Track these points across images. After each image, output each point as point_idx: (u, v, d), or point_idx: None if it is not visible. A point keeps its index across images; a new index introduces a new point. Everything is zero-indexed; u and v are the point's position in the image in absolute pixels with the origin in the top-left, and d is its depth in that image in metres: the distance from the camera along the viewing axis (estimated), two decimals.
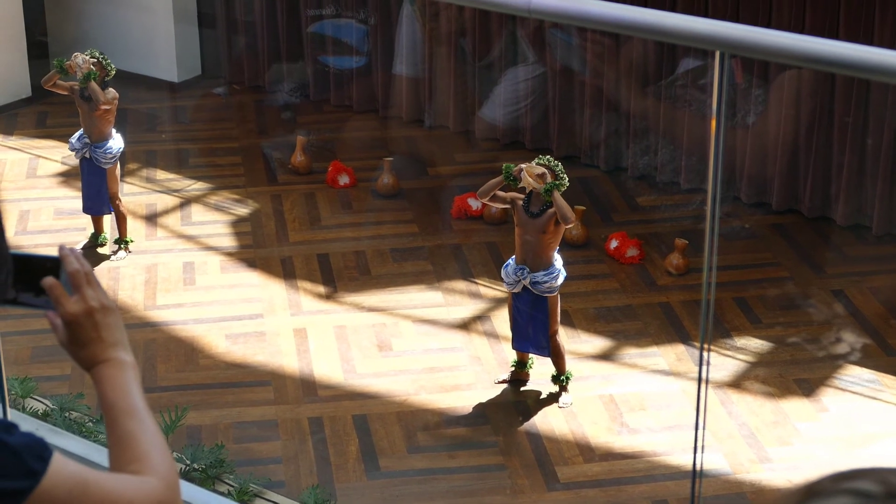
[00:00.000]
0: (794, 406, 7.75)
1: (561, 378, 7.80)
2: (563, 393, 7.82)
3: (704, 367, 5.51)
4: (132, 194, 10.11)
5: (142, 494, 2.16)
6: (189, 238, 9.61)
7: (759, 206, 10.02)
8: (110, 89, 9.11)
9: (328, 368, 8.08)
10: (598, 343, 8.37)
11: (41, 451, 2.11)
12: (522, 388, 7.93)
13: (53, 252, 2.31)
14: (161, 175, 10.57)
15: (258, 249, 9.47)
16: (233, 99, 12.13)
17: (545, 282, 7.58)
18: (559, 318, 7.76)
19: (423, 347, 8.31)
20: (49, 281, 2.27)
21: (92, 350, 2.28)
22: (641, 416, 7.67)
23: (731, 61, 8.65)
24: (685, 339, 8.38)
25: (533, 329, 7.70)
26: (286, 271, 9.16)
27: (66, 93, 9.21)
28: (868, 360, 8.19)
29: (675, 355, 8.22)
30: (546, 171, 7.53)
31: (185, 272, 9.14)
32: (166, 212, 10.00)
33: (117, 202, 9.29)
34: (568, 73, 10.70)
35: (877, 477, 1.41)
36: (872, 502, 1.38)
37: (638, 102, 10.43)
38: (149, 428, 2.24)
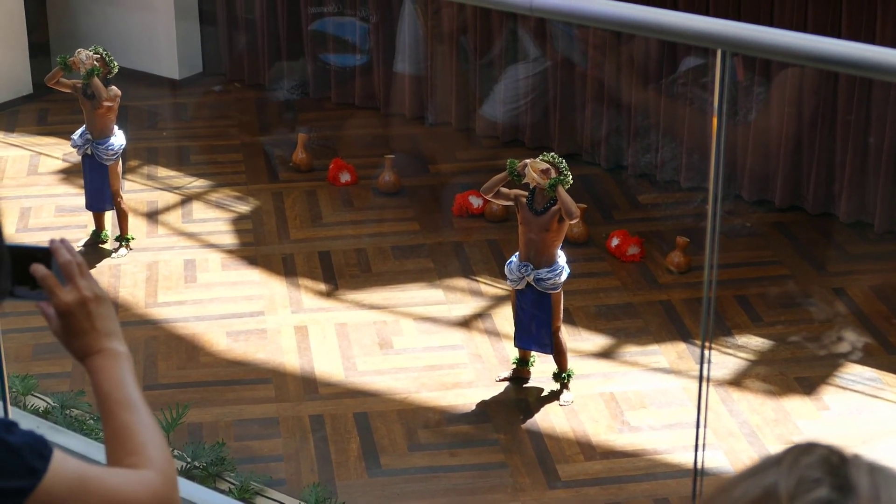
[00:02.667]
0: (795, 404, 7.75)
1: (562, 376, 7.80)
2: (564, 391, 7.82)
3: (705, 365, 5.52)
4: (133, 191, 10.11)
5: (140, 489, 2.16)
6: (190, 235, 9.61)
7: (761, 203, 10.02)
8: (112, 87, 9.11)
9: (329, 366, 8.08)
10: (599, 341, 8.37)
11: (42, 450, 2.11)
12: (524, 386, 7.93)
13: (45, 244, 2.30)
14: (162, 172, 10.57)
15: (259, 247, 9.47)
16: (234, 96, 12.13)
17: (549, 278, 7.59)
18: (562, 316, 7.76)
19: (424, 345, 8.31)
20: (41, 271, 2.26)
21: (86, 340, 2.27)
22: (642, 414, 7.67)
23: (733, 59, 8.65)
24: (686, 336, 8.37)
25: (536, 326, 7.70)
26: (287, 269, 9.16)
27: (68, 90, 9.22)
28: (869, 358, 8.19)
29: (675, 353, 8.22)
30: (550, 166, 7.54)
31: (186, 269, 9.14)
32: (167, 209, 10.00)
33: (119, 199, 9.29)
34: (569, 71, 10.70)
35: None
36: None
37: (639, 100, 10.43)
38: (145, 420, 2.24)
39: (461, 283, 9.00)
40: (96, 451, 5.93)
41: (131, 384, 2.27)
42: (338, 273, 9.12)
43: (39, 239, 9.37)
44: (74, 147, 9.30)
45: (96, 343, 2.27)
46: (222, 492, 6.79)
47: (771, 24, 9.44)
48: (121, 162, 9.32)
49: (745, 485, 1.46)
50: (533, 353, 7.89)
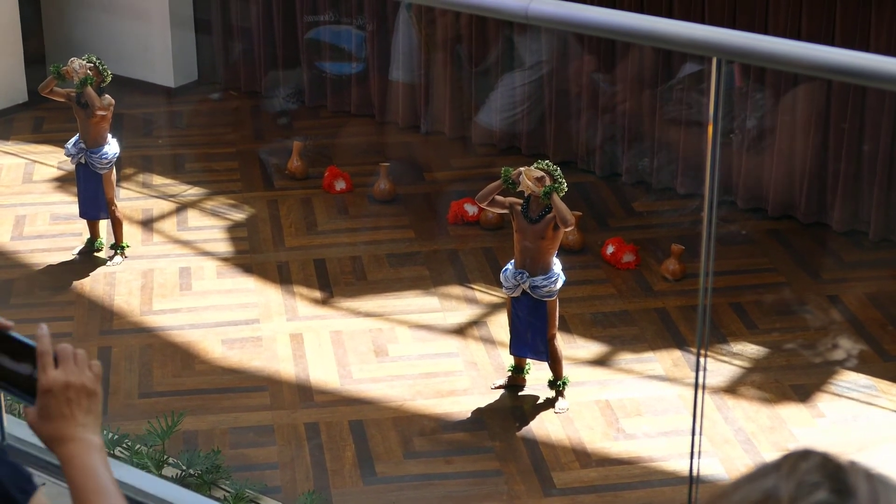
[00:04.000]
0: (791, 411, 7.75)
1: (558, 383, 7.80)
2: (559, 398, 7.82)
3: (701, 373, 5.51)
4: (128, 199, 10.11)
5: None
6: (185, 243, 9.61)
7: (755, 211, 10.03)
8: (106, 95, 9.10)
9: (324, 374, 8.08)
10: (595, 348, 8.37)
11: (24, 485, 2.11)
12: (519, 394, 7.93)
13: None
14: (157, 180, 10.57)
15: (254, 255, 9.47)
16: (229, 104, 12.13)
17: (544, 286, 7.59)
18: (557, 323, 7.76)
19: (419, 353, 8.31)
20: (43, 346, 2.20)
21: (60, 425, 2.17)
22: (638, 422, 7.67)
23: (731, 66, 8.66)
24: (681, 344, 8.38)
25: (531, 334, 7.70)
26: (282, 276, 9.16)
27: (62, 100, 9.21)
28: (864, 365, 8.19)
29: (671, 361, 8.22)
30: (545, 174, 7.55)
31: (181, 277, 9.14)
32: (162, 217, 10.00)
33: (113, 207, 9.29)
34: (564, 78, 10.70)
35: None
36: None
37: (634, 108, 10.43)
38: None
39: (456, 290, 9.00)
40: None
41: (105, 474, 2.17)
42: (333, 281, 9.12)
43: (34, 247, 9.40)
44: (68, 156, 9.30)
45: (69, 430, 2.17)
46: (217, 499, 6.78)
47: (765, 31, 9.46)
48: (115, 170, 9.32)
49: (743, 490, 1.46)
50: (528, 360, 7.89)
